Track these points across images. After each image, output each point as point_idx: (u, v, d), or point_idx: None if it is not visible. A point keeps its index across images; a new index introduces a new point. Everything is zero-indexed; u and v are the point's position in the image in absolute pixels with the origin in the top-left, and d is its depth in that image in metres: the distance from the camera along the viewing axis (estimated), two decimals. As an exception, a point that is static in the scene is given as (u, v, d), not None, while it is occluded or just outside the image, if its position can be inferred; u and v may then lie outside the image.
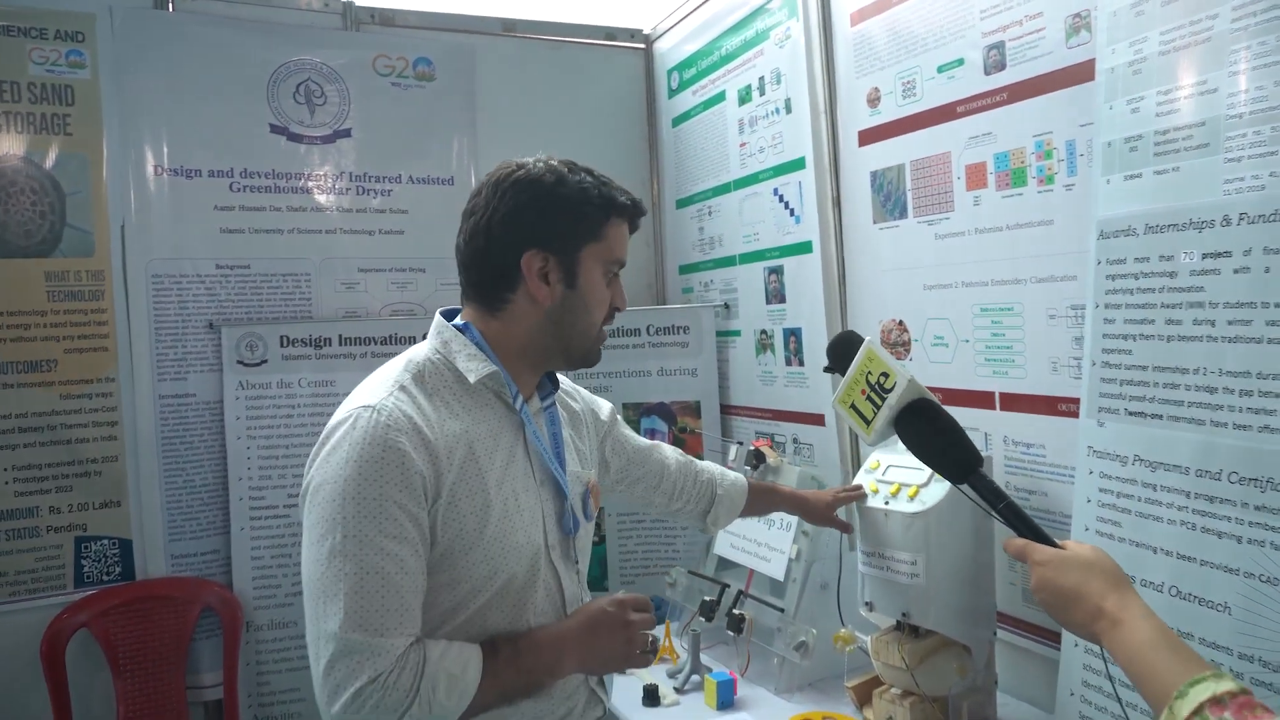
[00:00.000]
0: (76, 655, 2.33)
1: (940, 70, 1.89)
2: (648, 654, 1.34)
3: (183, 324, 2.49)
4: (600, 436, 1.61)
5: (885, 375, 1.27)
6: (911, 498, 1.65)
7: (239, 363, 2.49)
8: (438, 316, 1.35)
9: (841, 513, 1.82)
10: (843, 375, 1.41)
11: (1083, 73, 1.58)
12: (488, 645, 1.22)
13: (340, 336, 2.58)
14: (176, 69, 2.47)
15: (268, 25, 2.59)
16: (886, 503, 1.68)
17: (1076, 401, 1.56)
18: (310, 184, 2.64)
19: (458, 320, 1.34)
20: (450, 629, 1.23)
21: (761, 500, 1.84)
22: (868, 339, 1.33)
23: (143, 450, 2.44)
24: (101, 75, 2.40)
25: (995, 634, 1.74)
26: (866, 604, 1.72)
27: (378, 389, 1.23)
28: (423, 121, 2.77)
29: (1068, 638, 1.55)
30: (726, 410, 2.78)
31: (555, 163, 1.31)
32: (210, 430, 2.50)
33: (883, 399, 1.25)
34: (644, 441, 1.73)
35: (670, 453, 1.76)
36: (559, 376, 1.49)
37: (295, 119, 2.62)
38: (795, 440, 2.47)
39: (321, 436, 1.21)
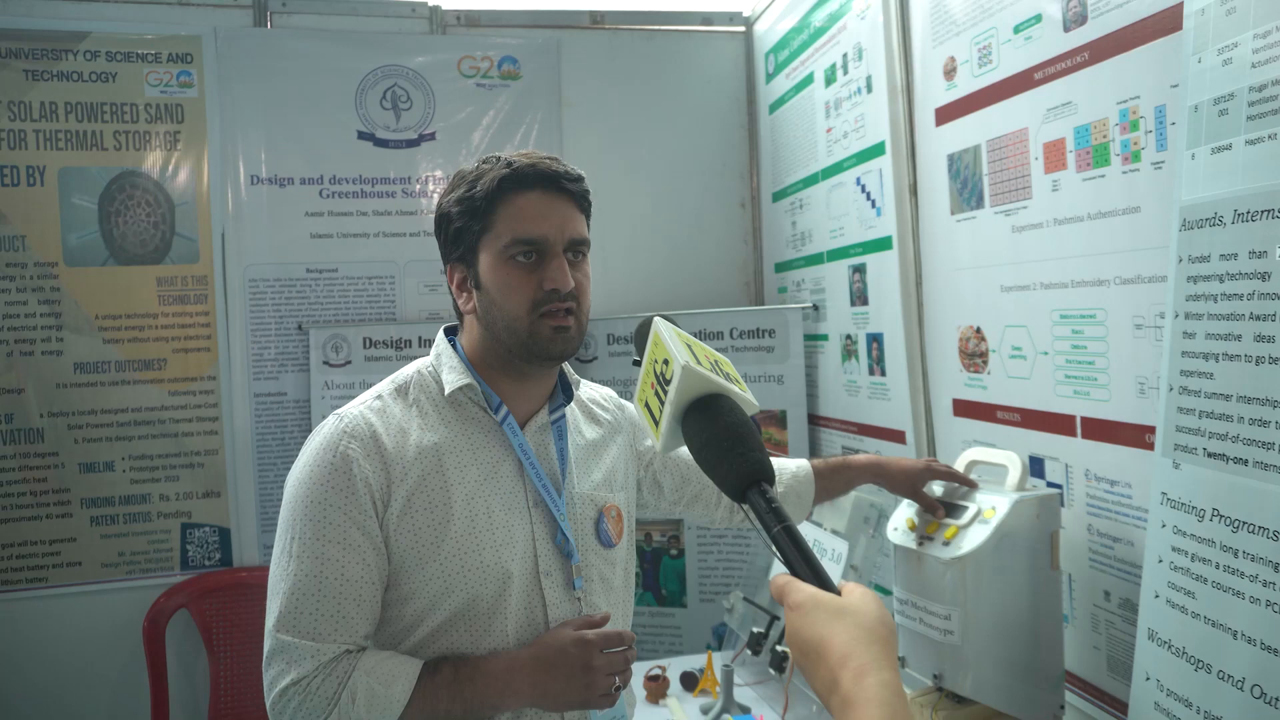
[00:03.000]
0: (179, 636, 2.51)
1: (1017, 30, 1.59)
2: (610, 695, 1.20)
3: (276, 326, 2.61)
4: (645, 460, 1.48)
5: (666, 363, 0.94)
6: (948, 540, 1.40)
7: (325, 363, 2.58)
8: (440, 331, 1.32)
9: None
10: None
11: (1173, 19, 1.26)
12: (429, 665, 1.15)
13: (420, 338, 2.61)
14: (272, 82, 2.59)
15: (357, 35, 2.67)
16: (920, 543, 1.44)
17: (1159, 433, 1.24)
18: (396, 188, 2.69)
19: (455, 336, 1.32)
20: (409, 646, 1.18)
21: (836, 480, 1.58)
22: (657, 318, 1.02)
23: (239, 445, 2.58)
24: (207, 92, 2.56)
25: (1063, 706, 1.44)
26: (899, 658, 1.48)
27: (358, 399, 1.23)
28: (507, 120, 2.75)
29: (1136, 707, 1.24)
30: (815, 421, 2.55)
31: (473, 163, 1.24)
32: (300, 428, 2.61)
33: (666, 393, 0.93)
34: None
35: None
36: (590, 386, 1.42)
37: (381, 124, 2.67)
38: (878, 458, 2.21)
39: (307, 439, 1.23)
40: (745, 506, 0.84)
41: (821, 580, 0.76)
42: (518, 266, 1.18)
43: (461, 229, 1.20)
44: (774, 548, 0.80)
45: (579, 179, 1.23)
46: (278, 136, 2.60)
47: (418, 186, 2.70)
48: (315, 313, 2.63)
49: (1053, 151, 1.51)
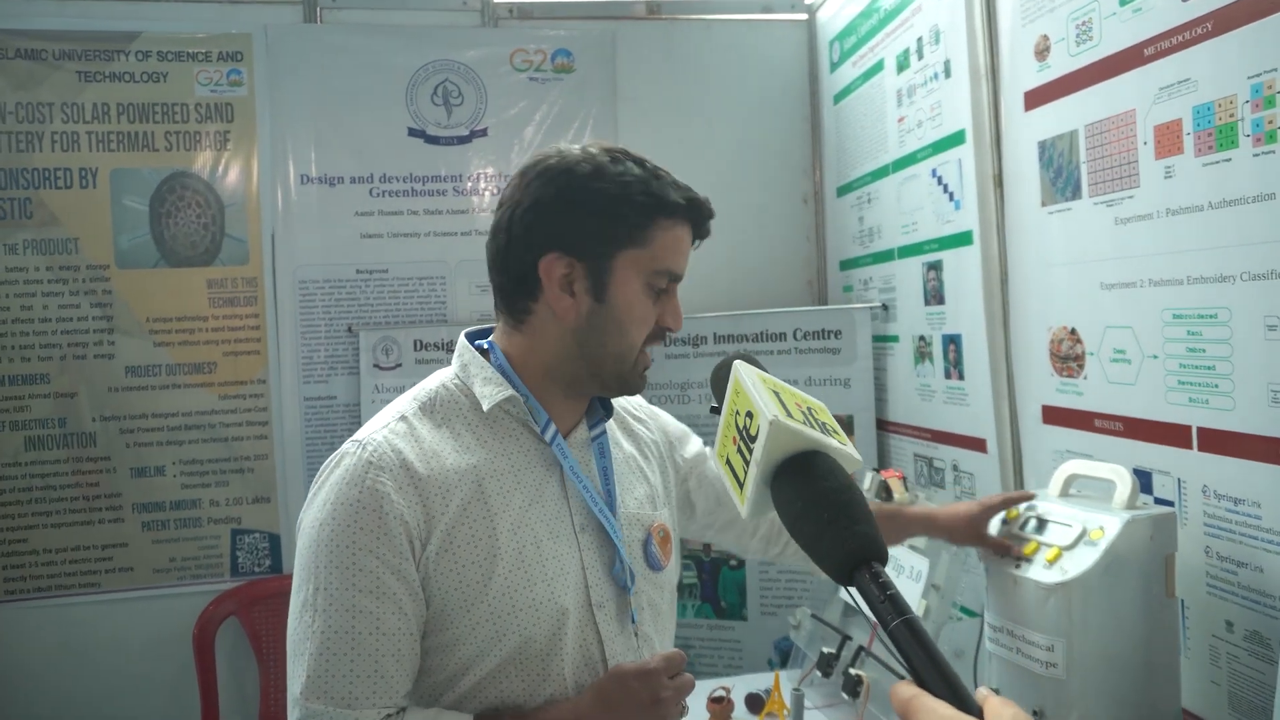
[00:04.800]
0: (229, 643, 2.47)
1: (1123, 3, 1.45)
2: None
3: (326, 328, 2.57)
4: (682, 474, 1.37)
5: (750, 416, 0.80)
6: (1051, 562, 1.27)
7: (375, 366, 2.52)
8: (461, 337, 1.18)
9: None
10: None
11: (1319, -18, 1.12)
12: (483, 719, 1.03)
13: (471, 340, 2.53)
14: (323, 79, 2.54)
15: (408, 29, 2.61)
16: (1018, 565, 1.31)
17: (1300, 448, 1.11)
18: (447, 186, 2.62)
19: (488, 339, 1.17)
20: (456, 697, 1.05)
21: (886, 529, 1.46)
22: (737, 362, 0.87)
23: (289, 450, 2.54)
24: (257, 91, 2.52)
25: (1180, 749, 1.30)
26: (993, 690, 1.35)
27: (376, 421, 1.09)
28: (561, 115, 2.67)
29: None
30: (884, 427, 2.42)
31: (597, 150, 1.10)
32: (350, 432, 2.47)
33: (751, 451, 0.79)
34: None
35: None
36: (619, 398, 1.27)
37: (433, 121, 2.61)
38: (955, 468, 2.08)
39: (319, 472, 1.08)
40: (852, 590, 0.68)
41: (958, 695, 0.60)
42: (651, 296, 1.09)
43: (604, 226, 1.06)
44: (892, 646, 0.65)
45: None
46: (328, 134, 2.55)
47: (469, 184, 2.63)
48: (365, 315, 2.58)
49: (1166, 135, 1.37)
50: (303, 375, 2.55)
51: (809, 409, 0.82)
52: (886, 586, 0.66)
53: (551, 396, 1.12)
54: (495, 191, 2.64)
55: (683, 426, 1.41)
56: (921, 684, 0.62)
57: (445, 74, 2.61)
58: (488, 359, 1.13)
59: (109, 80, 2.45)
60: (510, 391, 1.09)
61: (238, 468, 2.52)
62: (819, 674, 1.83)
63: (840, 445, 0.78)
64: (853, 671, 1.71)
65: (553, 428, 1.11)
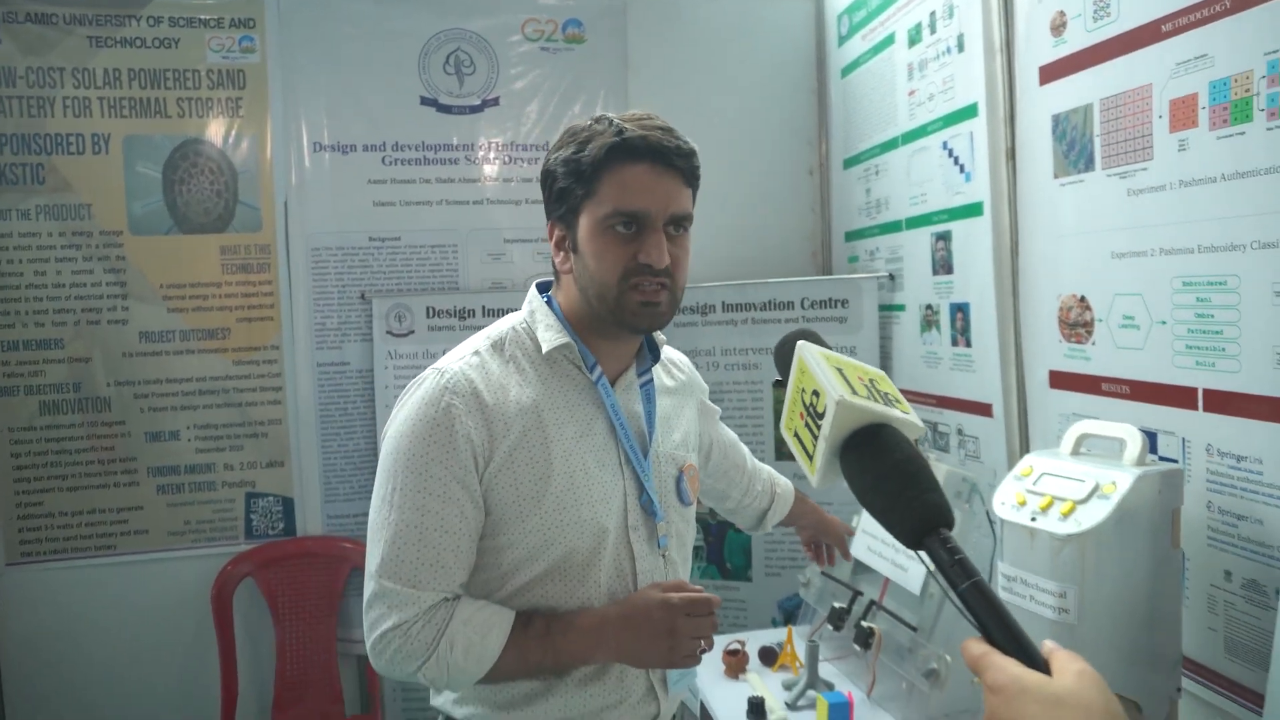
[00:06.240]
0: (245, 602, 2.52)
1: (1140, -20, 1.50)
2: (694, 656, 1.23)
3: (339, 295, 2.59)
4: (704, 425, 1.56)
5: (816, 394, 0.86)
6: (1065, 515, 1.34)
7: (388, 333, 2.55)
8: (532, 288, 1.33)
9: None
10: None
11: (1335, -39, 1.17)
12: (522, 617, 1.20)
13: (484, 308, 2.57)
14: (335, 47, 2.55)
15: (421, -3, 2.61)
16: (1033, 519, 1.38)
17: (1304, 406, 1.17)
18: (458, 155, 2.64)
19: (549, 293, 1.34)
20: (507, 593, 1.21)
21: (796, 508, 1.80)
22: (801, 342, 0.93)
23: (303, 415, 2.57)
24: (269, 58, 2.52)
25: (1180, 689, 1.38)
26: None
27: (454, 354, 1.25)
28: (572, 85, 2.69)
29: (1273, 701, 1.19)
30: (888, 394, 2.48)
31: (586, 120, 1.23)
32: (363, 398, 2.59)
33: (819, 427, 0.85)
34: (730, 433, 1.70)
35: (744, 447, 1.74)
36: (665, 348, 1.42)
37: (445, 90, 2.62)
38: (960, 432, 2.15)
39: (403, 392, 1.24)
40: (921, 553, 0.75)
41: (1026, 652, 0.66)
42: (616, 236, 1.18)
43: (565, 189, 1.20)
44: (962, 607, 0.71)
45: (690, 154, 1.20)
46: (340, 102, 2.56)
47: (481, 153, 2.65)
48: (378, 282, 2.60)
49: (1181, 109, 1.43)
50: (316, 341, 2.58)
51: (871, 380, 0.88)
52: (955, 551, 0.73)
53: (596, 342, 1.26)
54: (507, 160, 2.67)
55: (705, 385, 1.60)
56: (991, 641, 0.68)
57: (457, 43, 2.62)
58: (551, 308, 1.28)
59: (120, 46, 2.44)
60: (566, 339, 1.24)
61: (251, 432, 2.55)
62: (830, 628, 1.90)
63: (904, 415, 0.84)
64: (865, 624, 1.78)
65: (599, 370, 1.26)
